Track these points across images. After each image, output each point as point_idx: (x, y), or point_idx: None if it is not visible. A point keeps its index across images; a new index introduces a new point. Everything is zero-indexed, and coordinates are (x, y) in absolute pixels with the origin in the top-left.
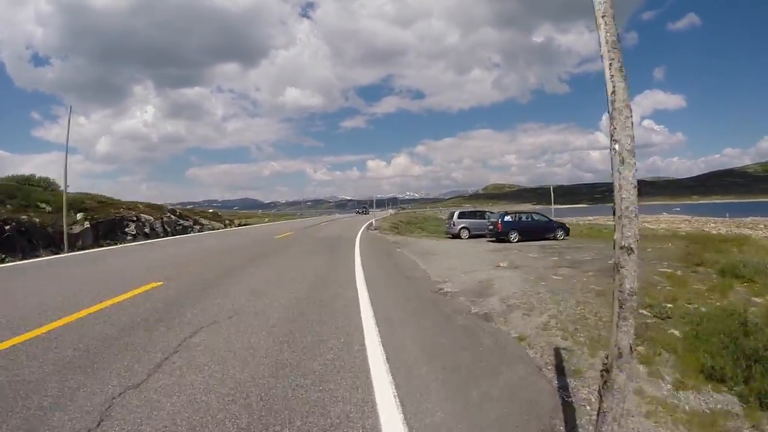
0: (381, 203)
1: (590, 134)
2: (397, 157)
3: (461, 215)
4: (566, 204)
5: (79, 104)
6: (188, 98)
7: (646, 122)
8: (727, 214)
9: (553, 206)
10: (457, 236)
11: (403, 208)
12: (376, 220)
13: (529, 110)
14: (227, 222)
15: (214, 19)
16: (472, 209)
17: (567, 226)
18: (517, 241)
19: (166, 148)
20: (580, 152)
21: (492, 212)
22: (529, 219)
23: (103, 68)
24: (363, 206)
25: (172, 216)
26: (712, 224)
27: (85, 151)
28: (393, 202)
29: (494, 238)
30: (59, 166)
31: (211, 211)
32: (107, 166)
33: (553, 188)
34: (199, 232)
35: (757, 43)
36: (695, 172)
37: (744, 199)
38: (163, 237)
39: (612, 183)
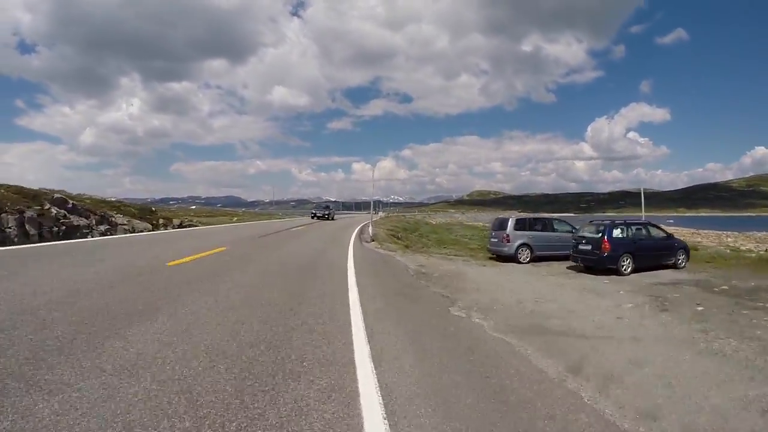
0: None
1: (575, 144)
2: (382, 161)
3: (518, 225)
4: (552, 212)
5: (64, 94)
6: (175, 92)
7: (631, 134)
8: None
9: (643, 213)
10: (512, 258)
11: (396, 212)
12: (370, 226)
13: (516, 118)
14: (161, 222)
15: (203, 13)
16: (534, 216)
17: (686, 244)
18: (629, 272)
19: (151, 142)
20: (564, 162)
21: (563, 221)
22: (644, 232)
23: (89, 58)
24: (325, 207)
25: (54, 210)
26: (728, 239)
27: (69, 141)
28: (377, 205)
29: (587, 266)
30: (42, 156)
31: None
32: (91, 158)
33: (536, 196)
34: (103, 236)
35: (743, 62)
36: (679, 185)
37: (730, 213)
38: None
39: (600, 193)
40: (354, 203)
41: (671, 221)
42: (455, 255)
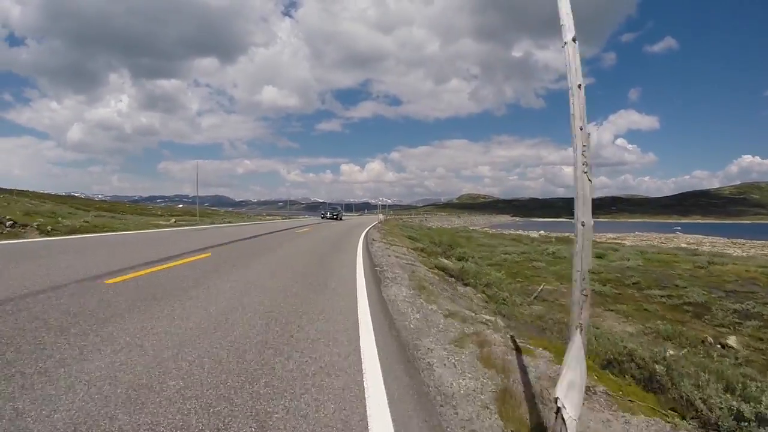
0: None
1: (563, 150)
2: (371, 163)
3: None
4: (545, 218)
5: (52, 88)
6: (164, 90)
7: (619, 141)
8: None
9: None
10: None
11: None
12: (372, 232)
13: (505, 123)
14: (14, 227)
15: (194, 10)
16: None
17: None
18: None
19: (139, 140)
20: (552, 167)
21: None
22: None
23: (79, 53)
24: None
25: None
26: (759, 250)
27: (57, 137)
28: (366, 207)
29: None
30: (28, 151)
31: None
32: (78, 154)
33: (526, 201)
34: None
35: (730, 71)
36: (666, 192)
37: (723, 220)
38: None
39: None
40: (343, 204)
41: (678, 228)
42: None
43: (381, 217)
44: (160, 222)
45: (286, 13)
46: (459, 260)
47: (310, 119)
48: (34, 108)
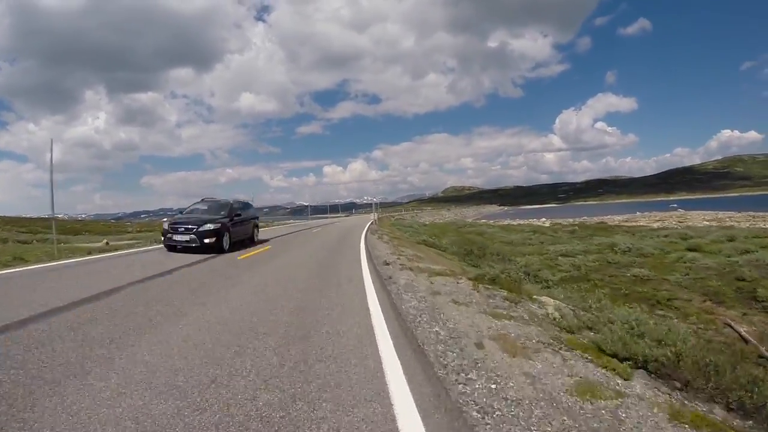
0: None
1: (544, 137)
2: (353, 163)
3: None
4: (533, 204)
5: (28, 110)
6: (141, 103)
7: (599, 124)
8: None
9: None
10: None
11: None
12: (374, 241)
13: (484, 114)
14: None
15: (166, 20)
16: None
17: None
18: None
19: (120, 155)
20: (534, 154)
21: None
22: None
23: (53, 71)
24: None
25: None
26: None
27: (36, 159)
28: (352, 207)
29: None
30: (8, 175)
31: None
32: (58, 174)
33: (511, 189)
34: None
35: (705, 48)
36: (648, 171)
37: (709, 194)
38: None
39: (575, 182)
40: (328, 206)
41: (675, 205)
42: None
43: (374, 216)
44: (107, 241)
45: (259, 18)
46: (539, 284)
47: (289, 123)
48: (11, 131)
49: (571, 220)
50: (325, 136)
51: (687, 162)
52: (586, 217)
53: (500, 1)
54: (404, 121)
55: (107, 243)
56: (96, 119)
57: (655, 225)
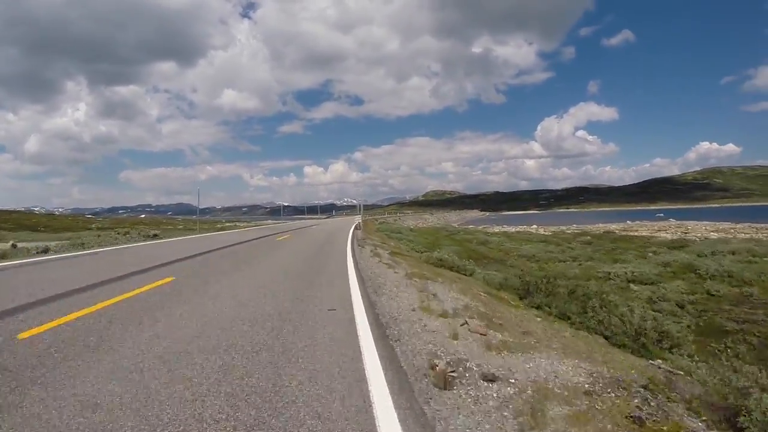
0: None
1: (525, 143)
2: (334, 164)
3: None
4: (514, 210)
5: (8, 98)
6: (122, 96)
7: (580, 133)
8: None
9: None
10: None
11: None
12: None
13: (467, 119)
14: None
15: (151, 13)
16: None
17: None
18: None
19: (99, 149)
20: (515, 160)
21: None
22: None
23: (35, 60)
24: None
25: None
26: None
27: (14, 149)
28: (332, 208)
29: None
30: None
31: None
32: (37, 166)
33: (492, 195)
34: None
35: (687, 62)
36: (627, 180)
37: (690, 205)
38: None
39: (558, 190)
40: (306, 207)
41: (661, 215)
42: None
43: (359, 219)
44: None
45: (245, 15)
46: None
47: (271, 122)
48: None
49: (564, 227)
50: (307, 136)
51: (666, 172)
52: (575, 225)
53: (486, 8)
54: (386, 123)
55: (14, 245)
56: (76, 111)
57: (669, 236)
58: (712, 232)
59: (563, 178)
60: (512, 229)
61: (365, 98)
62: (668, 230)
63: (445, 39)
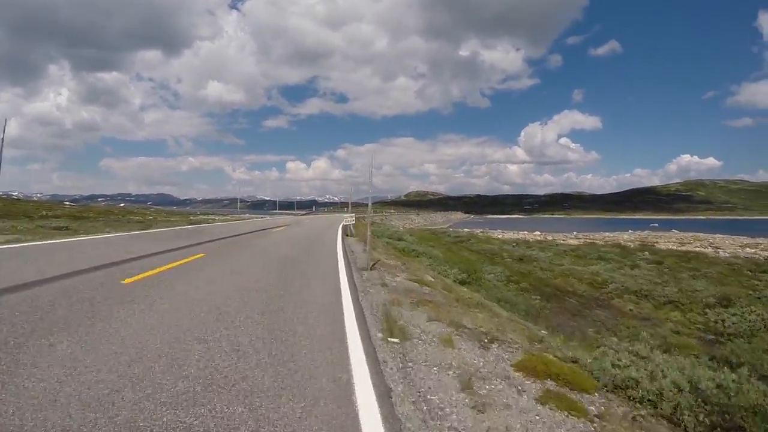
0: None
1: (509, 148)
2: (317, 160)
3: None
4: (497, 214)
5: None
6: (106, 83)
7: (563, 140)
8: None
9: None
10: None
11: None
12: None
13: (451, 121)
14: None
15: (138, 1)
16: None
17: None
18: None
19: (80, 135)
20: (498, 165)
21: None
22: None
23: (17, 42)
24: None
25: None
26: None
27: None
28: (313, 204)
29: None
30: None
31: None
32: (15, 151)
33: (474, 198)
34: None
35: (672, 75)
36: (608, 189)
37: (673, 216)
38: None
39: (542, 196)
40: (288, 202)
41: (656, 224)
42: None
43: (350, 220)
44: None
45: (233, 6)
46: None
47: (256, 115)
48: None
49: (573, 234)
50: (291, 131)
51: (646, 183)
52: (577, 232)
53: (475, 12)
54: (371, 122)
55: None
56: (58, 95)
57: (709, 250)
58: (740, 247)
59: (545, 184)
60: (516, 235)
61: (351, 96)
62: (693, 243)
63: (433, 40)
